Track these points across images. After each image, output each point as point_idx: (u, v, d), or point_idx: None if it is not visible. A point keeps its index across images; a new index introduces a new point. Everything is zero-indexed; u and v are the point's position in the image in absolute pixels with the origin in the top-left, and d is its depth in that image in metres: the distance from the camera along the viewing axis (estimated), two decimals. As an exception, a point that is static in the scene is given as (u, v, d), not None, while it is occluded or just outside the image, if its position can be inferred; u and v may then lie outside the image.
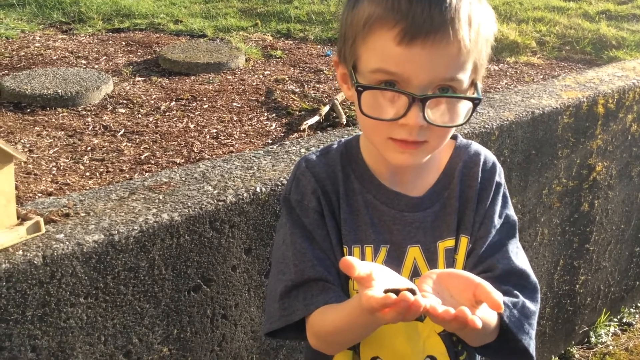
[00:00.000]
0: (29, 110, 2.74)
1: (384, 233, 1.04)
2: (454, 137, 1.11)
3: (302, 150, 1.73)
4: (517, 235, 1.08)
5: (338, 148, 1.10)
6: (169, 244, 1.34)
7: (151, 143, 2.48)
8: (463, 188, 1.06)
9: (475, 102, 0.93)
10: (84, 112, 2.77)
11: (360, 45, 0.92)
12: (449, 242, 1.05)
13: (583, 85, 2.29)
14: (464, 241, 1.05)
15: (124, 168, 2.23)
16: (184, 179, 1.54)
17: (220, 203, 1.41)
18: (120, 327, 1.32)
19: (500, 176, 1.08)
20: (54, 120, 2.65)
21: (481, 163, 1.07)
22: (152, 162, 2.32)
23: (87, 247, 1.23)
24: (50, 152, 2.32)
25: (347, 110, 2.85)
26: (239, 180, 1.52)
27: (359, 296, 0.80)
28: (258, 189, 1.48)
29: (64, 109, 2.77)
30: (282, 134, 2.62)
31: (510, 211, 1.08)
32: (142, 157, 2.35)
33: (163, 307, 1.37)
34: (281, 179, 1.53)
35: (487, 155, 1.10)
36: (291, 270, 1.01)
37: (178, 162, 2.32)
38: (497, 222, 1.05)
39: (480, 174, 1.06)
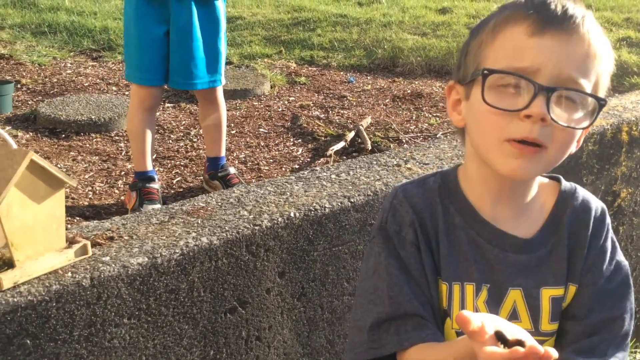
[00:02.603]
0: (64, 135, 2.83)
1: (486, 272, 1.00)
2: (557, 180, 1.08)
3: (333, 176, 1.78)
4: (631, 281, 1.04)
5: (435, 180, 1.07)
6: (208, 267, 1.39)
7: (182, 168, 2.55)
8: (572, 236, 1.02)
9: (602, 102, 0.90)
10: (117, 138, 2.86)
11: (487, 47, 0.92)
12: (557, 291, 1.01)
13: (607, 113, 2.32)
14: (572, 290, 1.01)
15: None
16: (220, 203, 1.60)
17: (256, 227, 1.46)
18: (160, 348, 1.36)
19: (608, 222, 1.05)
20: (88, 145, 2.74)
21: (593, 211, 1.04)
22: (184, 186, 2.39)
23: (132, 269, 1.28)
24: (86, 176, 2.40)
25: (371, 136, 2.90)
26: (273, 205, 1.57)
27: (470, 343, 0.76)
28: (292, 214, 1.53)
29: (97, 135, 2.86)
30: (308, 159, 2.68)
31: (621, 257, 1.05)
32: (174, 181, 2.42)
33: (201, 328, 1.42)
34: (314, 204, 1.58)
35: (597, 202, 1.06)
36: (385, 302, 0.98)
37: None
38: (608, 269, 1.02)
39: (592, 223, 1.03)
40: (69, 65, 4.24)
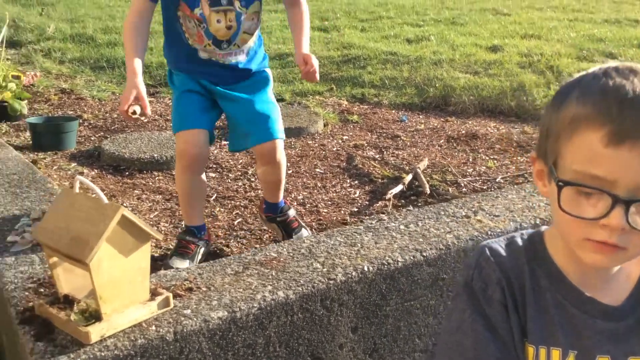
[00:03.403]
0: (127, 173, 2.90)
1: (573, 337, 1.01)
2: None
3: (402, 227, 1.77)
4: None
5: (522, 240, 1.07)
6: (284, 322, 1.39)
7: (242, 209, 2.58)
8: None
9: None
10: (177, 176, 2.91)
11: (564, 143, 0.92)
12: None
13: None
14: None
15: (220, 234, 2.33)
16: (292, 254, 1.60)
17: (331, 282, 1.46)
18: (234, 401, 1.36)
19: None
20: (151, 183, 2.80)
21: None
22: (245, 228, 2.41)
23: (212, 323, 1.29)
24: (151, 216, 2.45)
25: (429, 179, 2.88)
26: (345, 257, 1.57)
27: None
28: (365, 268, 1.52)
29: (159, 173, 2.92)
30: (366, 202, 2.68)
31: None
32: (235, 222, 2.44)
33: (274, 382, 1.41)
34: (386, 257, 1.57)
35: None
36: (469, 358, 0.99)
37: (267, 230, 2.39)
38: None
39: None
40: (127, 100, 4.36)
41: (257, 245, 2.25)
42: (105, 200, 1.23)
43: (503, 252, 1.05)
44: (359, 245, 1.65)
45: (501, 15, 7.56)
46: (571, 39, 5.74)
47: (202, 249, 2.07)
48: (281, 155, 2.04)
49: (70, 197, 1.27)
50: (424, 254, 1.62)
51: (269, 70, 2.14)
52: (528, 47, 5.37)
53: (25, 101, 3.70)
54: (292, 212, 2.30)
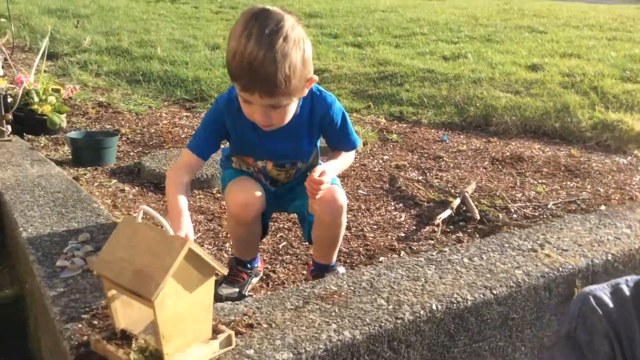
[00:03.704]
0: (167, 191, 2.85)
1: None
2: None
3: (465, 260, 1.68)
4: None
5: (629, 288, 1.01)
6: (349, 364, 1.31)
7: (286, 231, 2.50)
8: None
9: None
10: (219, 195, 2.85)
11: None
12: None
13: None
14: None
15: (265, 258, 2.25)
16: (352, 288, 1.52)
17: (398, 321, 1.37)
18: None
19: None
20: (192, 202, 2.75)
21: None
22: (290, 252, 2.33)
23: (277, 365, 1.21)
24: (195, 237, 2.39)
25: (476, 203, 2.78)
26: (410, 294, 1.48)
27: None
28: (434, 306, 1.43)
29: (200, 191, 2.87)
30: (414, 227, 2.59)
31: None
32: (280, 246, 2.37)
33: None
34: (454, 295, 1.48)
35: None
36: None
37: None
38: None
39: None
40: (164, 115, 4.35)
41: (304, 272, 2.17)
42: (171, 231, 1.16)
43: (609, 302, 0.99)
44: (422, 279, 1.56)
45: (537, 33, 7.44)
46: (612, 59, 5.60)
47: (254, 279, 2.00)
48: (343, 218, 1.82)
49: (133, 227, 1.21)
50: (494, 292, 1.52)
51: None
52: (569, 66, 5.24)
53: (64, 115, 3.68)
54: (342, 270, 1.99)
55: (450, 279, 1.57)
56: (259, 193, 1.77)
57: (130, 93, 4.88)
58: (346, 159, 1.86)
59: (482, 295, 1.50)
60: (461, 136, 4.02)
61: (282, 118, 1.58)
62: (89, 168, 3.10)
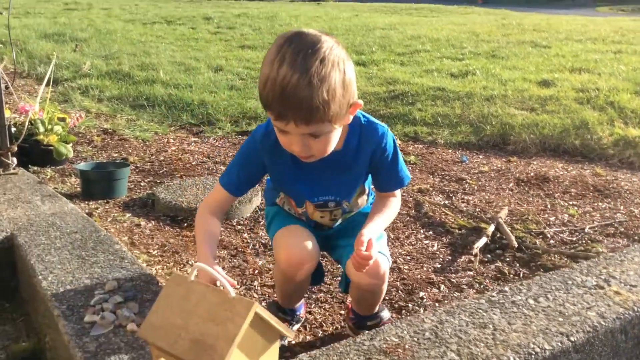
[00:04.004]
0: (185, 224, 2.71)
1: None
2: None
3: (530, 300, 1.55)
4: None
5: None
6: None
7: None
8: None
9: None
10: (239, 227, 2.71)
11: None
12: None
13: None
14: None
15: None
16: (415, 339, 1.38)
17: (475, 378, 1.23)
18: None
19: None
20: (212, 236, 2.60)
21: None
22: (324, 289, 2.19)
23: None
24: (220, 275, 2.24)
25: (510, 228, 2.65)
26: (482, 345, 1.34)
27: None
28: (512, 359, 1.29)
29: (219, 224, 2.72)
30: (449, 257, 2.45)
31: None
32: (314, 288, 2.22)
33: None
34: (530, 344, 1.34)
35: None
36: None
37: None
38: None
39: None
40: (171, 141, 4.21)
41: (342, 312, 2.03)
42: (232, 292, 1.03)
43: None
44: (490, 326, 1.43)
45: (541, 47, 7.39)
46: (623, 73, 5.52)
47: (295, 326, 1.85)
48: (385, 285, 1.67)
49: (185, 287, 1.07)
50: (571, 339, 1.38)
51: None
52: (581, 81, 5.16)
53: (71, 144, 3.54)
54: (386, 314, 1.85)
55: (520, 324, 1.43)
56: (314, 248, 1.61)
57: (135, 119, 4.75)
58: (393, 210, 1.66)
59: (559, 344, 1.36)
60: (480, 156, 3.91)
61: (324, 148, 1.43)
62: (100, 201, 2.95)
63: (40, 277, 1.75)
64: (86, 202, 2.94)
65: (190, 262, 2.33)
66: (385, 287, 1.68)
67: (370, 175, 1.69)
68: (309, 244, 1.59)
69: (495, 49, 7.28)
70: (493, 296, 1.59)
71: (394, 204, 1.67)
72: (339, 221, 1.74)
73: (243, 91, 5.34)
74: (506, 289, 1.63)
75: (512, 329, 1.41)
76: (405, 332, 1.42)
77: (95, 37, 8.10)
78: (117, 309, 1.53)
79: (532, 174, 3.49)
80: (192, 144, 4.17)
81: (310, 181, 1.61)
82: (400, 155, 1.66)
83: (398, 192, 1.70)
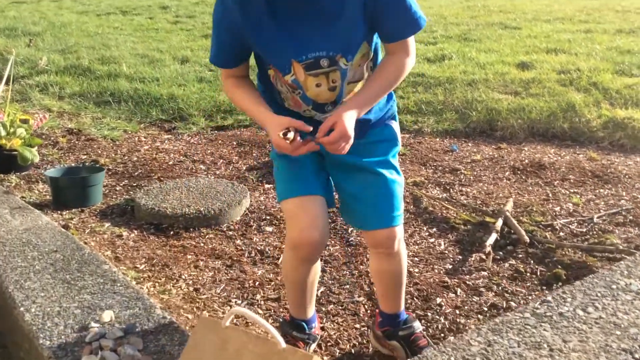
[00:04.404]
0: (172, 232, 2.49)
1: None
2: None
3: (579, 311, 1.41)
4: None
5: None
6: None
7: (321, 273, 2.18)
8: None
9: None
10: (230, 233, 2.51)
11: None
12: None
13: None
14: None
15: (307, 311, 1.93)
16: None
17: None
18: None
19: None
20: (202, 244, 2.40)
21: None
22: (333, 300, 2.02)
23: None
24: (217, 290, 2.04)
25: (516, 221, 2.53)
26: (543, 369, 1.20)
27: None
28: (580, 386, 1.15)
29: (208, 230, 2.52)
30: (458, 256, 2.31)
31: None
32: (319, 293, 2.05)
33: None
34: (595, 366, 1.20)
35: None
36: None
37: (361, 300, 2.01)
38: None
39: None
40: (143, 139, 3.96)
41: (357, 325, 1.86)
42: (282, 341, 0.84)
43: None
44: (545, 346, 1.28)
45: (511, 29, 7.32)
46: (599, 52, 5.48)
47: (312, 346, 1.67)
48: (401, 245, 1.56)
49: (220, 335, 0.88)
50: (635, 356, 1.25)
51: (395, 125, 1.58)
52: (560, 62, 5.09)
53: (36, 147, 3.27)
54: (418, 325, 1.69)
55: (576, 342, 1.29)
56: (325, 227, 1.47)
57: (100, 116, 4.45)
58: (399, 69, 1.40)
59: (626, 363, 1.23)
60: (469, 144, 3.78)
61: None
62: (74, 210, 2.71)
63: (21, 308, 1.53)
64: (59, 212, 2.69)
65: (182, 276, 2.13)
66: (404, 259, 1.60)
67: (376, 34, 1.43)
68: (321, 223, 1.45)
69: (466, 31, 7.18)
70: (537, 308, 1.45)
71: (403, 62, 1.39)
72: (343, 94, 1.45)
73: (214, 83, 5.09)
74: (549, 298, 1.49)
75: (570, 347, 1.27)
76: (452, 358, 1.26)
77: (50, 31, 7.66)
78: (118, 346, 1.33)
79: (526, 161, 3.38)
80: (166, 141, 3.92)
81: (292, 34, 1.37)
82: None
83: (412, 45, 1.41)
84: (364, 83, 1.45)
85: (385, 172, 1.52)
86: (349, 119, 1.33)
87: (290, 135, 1.31)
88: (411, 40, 1.42)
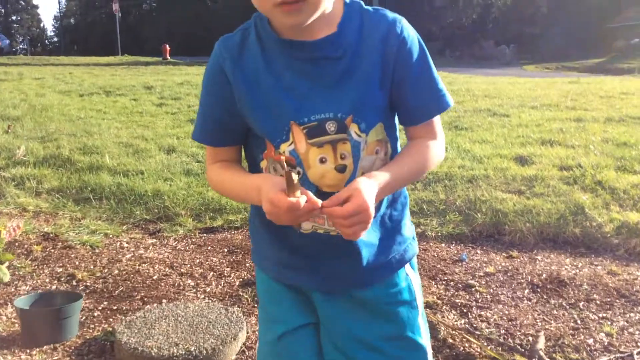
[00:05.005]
0: (159, 380, 2.15)
1: None
2: None
3: None
4: None
5: None
6: None
7: None
8: None
9: None
10: None
11: None
12: None
13: None
14: None
15: None
16: None
17: None
18: None
19: None
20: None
21: None
22: None
23: None
24: None
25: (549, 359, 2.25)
26: None
27: None
28: None
29: None
30: (492, 411, 2.01)
31: None
32: None
33: None
34: None
35: None
36: None
37: None
38: None
39: None
40: (125, 245, 3.65)
41: None
42: None
43: None
44: None
45: (500, 116, 7.29)
46: (596, 145, 5.39)
47: None
48: None
49: None
50: None
51: (411, 274, 1.33)
52: (559, 157, 4.96)
53: (7, 263, 2.93)
54: None
55: None
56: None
57: (80, 217, 4.14)
58: (427, 154, 1.18)
59: None
60: (478, 250, 3.54)
61: None
62: (45, 348, 2.36)
63: None
64: (27, 351, 2.33)
65: None
66: None
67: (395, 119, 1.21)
68: None
69: (455, 118, 7.12)
70: None
71: (432, 145, 1.18)
72: (357, 170, 1.14)
73: (202, 177, 4.84)
74: None
75: None
76: None
77: (30, 115, 7.43)
78: None
79: (543, 275, 3.13)
80: (150, 247, 3.61)
81: (293, 91, 1.12)
82: (431, 60, 1.18)
83: (438, 128, 1.20)
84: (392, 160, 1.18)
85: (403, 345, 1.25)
86: (369, 191, 1.04)
87: (295, 176, 1.01)
88: (437, 122, 1.20)
